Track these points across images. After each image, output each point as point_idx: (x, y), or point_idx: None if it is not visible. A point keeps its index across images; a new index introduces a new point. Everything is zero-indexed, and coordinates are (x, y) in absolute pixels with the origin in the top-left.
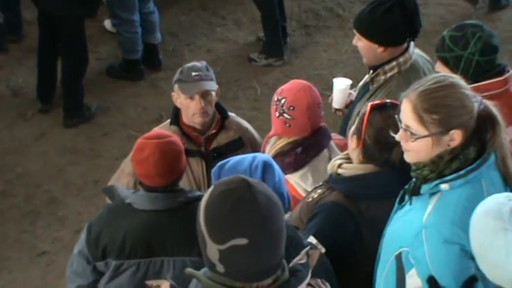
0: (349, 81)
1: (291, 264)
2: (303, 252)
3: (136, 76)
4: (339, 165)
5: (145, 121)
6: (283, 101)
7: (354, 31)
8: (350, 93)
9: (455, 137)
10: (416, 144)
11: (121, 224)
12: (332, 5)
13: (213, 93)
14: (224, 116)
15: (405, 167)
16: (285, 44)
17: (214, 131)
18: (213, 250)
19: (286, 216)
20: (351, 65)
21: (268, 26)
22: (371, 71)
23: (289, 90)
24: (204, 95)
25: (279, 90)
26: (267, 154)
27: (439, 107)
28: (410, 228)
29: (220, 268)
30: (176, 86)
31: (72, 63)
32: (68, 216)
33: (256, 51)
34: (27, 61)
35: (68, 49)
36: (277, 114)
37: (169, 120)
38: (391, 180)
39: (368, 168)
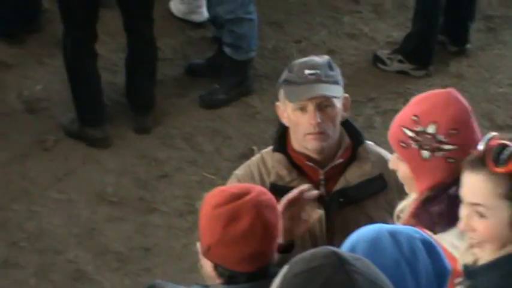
0: None
1: None
2: None
3: (250, 85)
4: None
5: (225, 157)
6: (431, 129)
7: None
8: None
9: None
10: None
11: None
12: None
13: (337, 103)
14: (357, 141)
15: None
16: (462, 51)
17: (340, 161)
18: None
19: None
20: None
21: (420, 15)
22: None
23: (433, 109)
24: (322, 104)
25: (407, 118)
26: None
27: None
28: None
29: None
30: (282, 91)
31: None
32: None
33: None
34: (49, 59)
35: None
36: (424, 155)
37: (265, 150)
38: None
39: None
